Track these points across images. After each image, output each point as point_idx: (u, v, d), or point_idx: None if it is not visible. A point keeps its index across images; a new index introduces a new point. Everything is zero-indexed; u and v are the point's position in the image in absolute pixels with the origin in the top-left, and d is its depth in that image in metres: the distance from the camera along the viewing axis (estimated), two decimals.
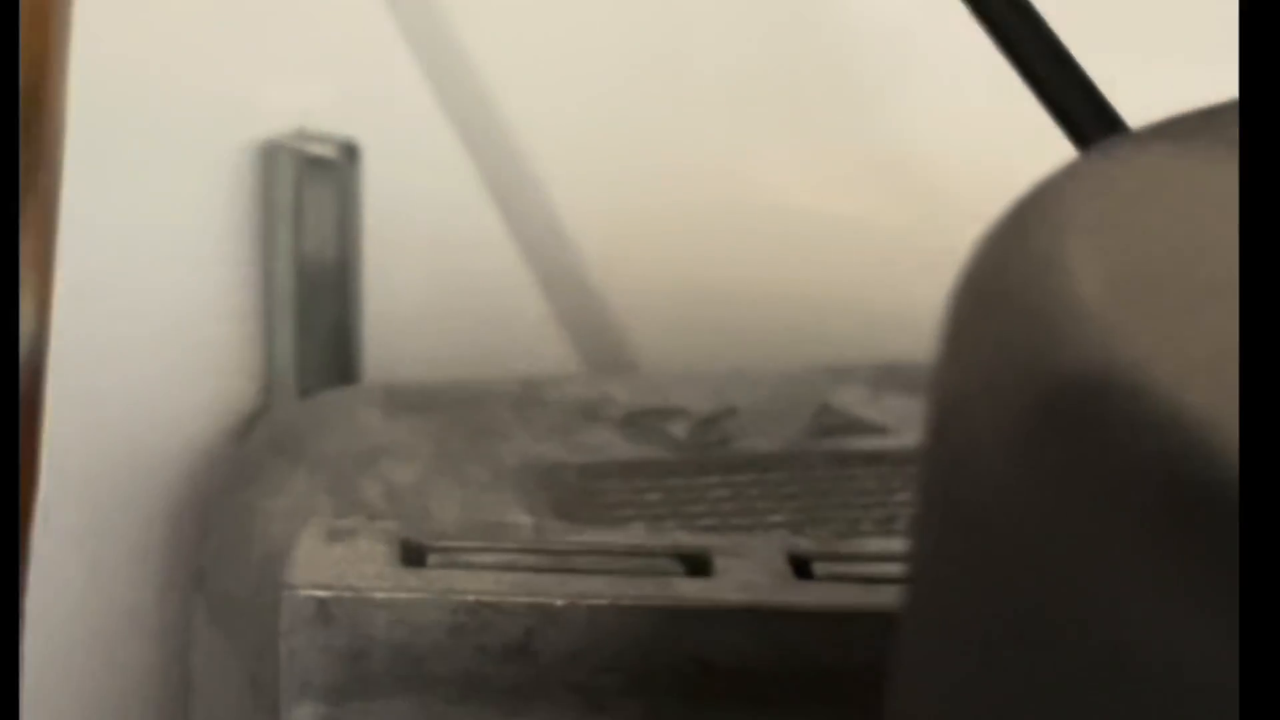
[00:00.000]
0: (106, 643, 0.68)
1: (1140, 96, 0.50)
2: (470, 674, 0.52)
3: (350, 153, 0.67)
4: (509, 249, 0.69)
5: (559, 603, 0.51)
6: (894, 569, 0.51)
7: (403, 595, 0.51)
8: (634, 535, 0.55)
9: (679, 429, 0.62)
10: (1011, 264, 0.34)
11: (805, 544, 0.54)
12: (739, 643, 0.52)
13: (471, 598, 0.52)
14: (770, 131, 0.69)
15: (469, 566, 0.53)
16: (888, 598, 0.47)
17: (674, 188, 0.69)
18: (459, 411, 0.63)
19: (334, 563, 0.52)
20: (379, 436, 0.62)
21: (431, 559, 0.53)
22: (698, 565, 0.53)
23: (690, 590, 0.52)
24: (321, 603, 0.51)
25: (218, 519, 0.64)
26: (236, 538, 0.61)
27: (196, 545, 0.65)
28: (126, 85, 0.65)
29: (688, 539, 0.54)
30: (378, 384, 0.66)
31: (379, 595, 0.51)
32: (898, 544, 0.52)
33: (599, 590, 0.52)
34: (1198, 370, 0.30)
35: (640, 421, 0.62)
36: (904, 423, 0.63)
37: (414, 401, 0.63)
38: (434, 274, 0.69)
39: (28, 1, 0.51)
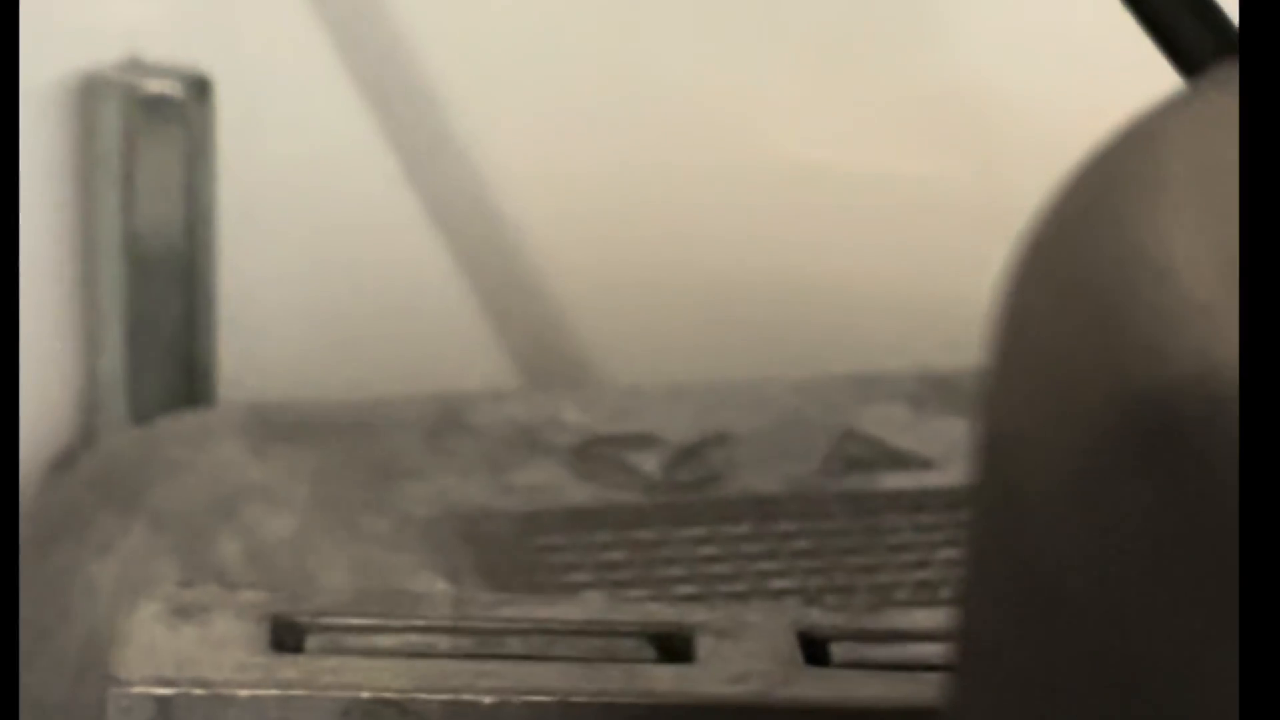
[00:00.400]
0: None
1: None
2: None
3: (199, 88, 0.68)
4: (418, 222, 0.70)
5: (486, 700, 0.52)
6: (935, 651, 0.52)
7: (273, 692, 0.52)
8: (590, 608, 0.56)
9: (651, 463, 0.62)
10: (1089, 249, 0.35)
11: (820, 618, 0.54)
12: None
13: (366, 695, 0.52)
14: (766, 61, 0.70)
15: (363, 652, 0.53)
16: (927, 690, 0.49)
17: (642, 133, 0.71)
18: (350, 441, 0.63)
19: (180, 648, 0.52)
20: (241, 476, 0.62)
21: (311, 642, 0.53)
22: (676, 648, 0.53)
23: (666, 682, 0.53)
24: (163, 703, 0.52)
25: (26, 587, 0.63)
26: (50, 614, 0.62)
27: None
28: None
29: (663, 612, 0.55)
30: (238, 405, 0.67)
31: (241, 693, 0.52)
32: (941, 617, 0.52)
33: (541, 684, 0.53)
34: None
35: (599, 453, 0.63)
36: (953, 453, 0.64)
37: (288, 429, 0.64)
38: (313, 256, 0.70)
39: None
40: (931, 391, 0.64)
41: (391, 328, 0.70)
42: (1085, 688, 0.36)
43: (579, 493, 0.62)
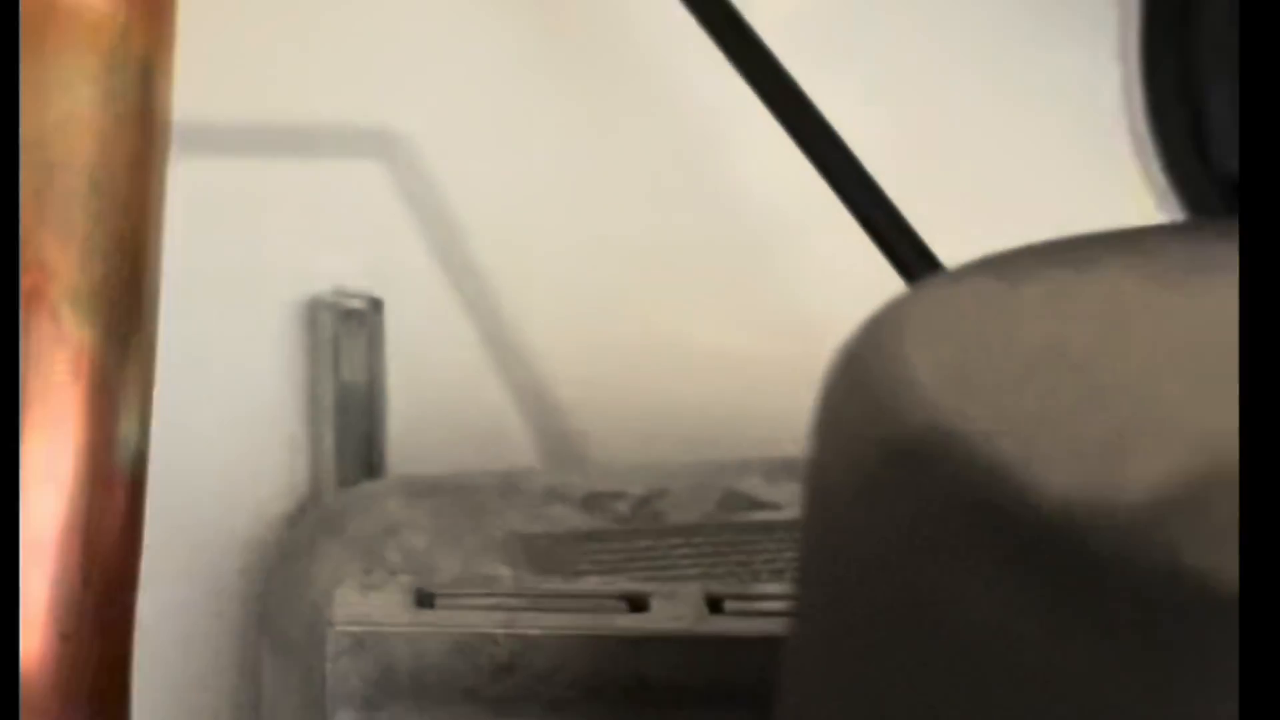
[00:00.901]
0: (198, 673, 0.66)
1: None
2: (468, 689, 0.50)
3: (376, 305, 0.65)
4: (495, 376, 0.66)
5: (535, 633, 0.51)
6: (784, 605, 0.50)
7: (416, 629, 0.51)
8: (589, 584, 0.55)
9: (624, 506, 0.61)
10: (864, 361, 0.33)
11: (718, 587, 0.53)
12: (669, 663, 0.51)
13: (468, 630, 0.51)
14: (689, 288, 0.68)
15: (466, 608, 0.52)
16: (780, 627, 0.46)
17: (621, 331, 0.67)
18: (458, 496, 0.61)
19: (364, 607, 0.51)
20: (398, 516, 0.60)
21: (438, 603, 0.52)
22: (637, 604, 0.52)
23: (632, 624, 0.51)
24: (356, 637, 0.51)
25: (278, 579, 0.62)
26: (292, 593, 0.60)
27: (262, 599, 0.63)
28: (208, 256, 0.63)
29: (630, 585, 0.53)
30: (398, 477, 0.64)
31: (398, 630, 0.51)
32: (786, 587, 0.50)
33: (564, 624, 0.51)
34: (1002, 432, 0.29)
35: (594, 501, 0.61)
36: (791, 501, 0.61)
37: (424, 489, 0.62)
38: (440, 396, 0.66)
39: (131, 186, 0.48)
40: (779, 468, 0.62)
41: (481, 434, 0.66)
42: (859, 609, 0.33)
43: (583, 522, 0.60)
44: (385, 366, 0.65)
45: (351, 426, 0.65)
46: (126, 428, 0.49)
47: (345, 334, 0.64)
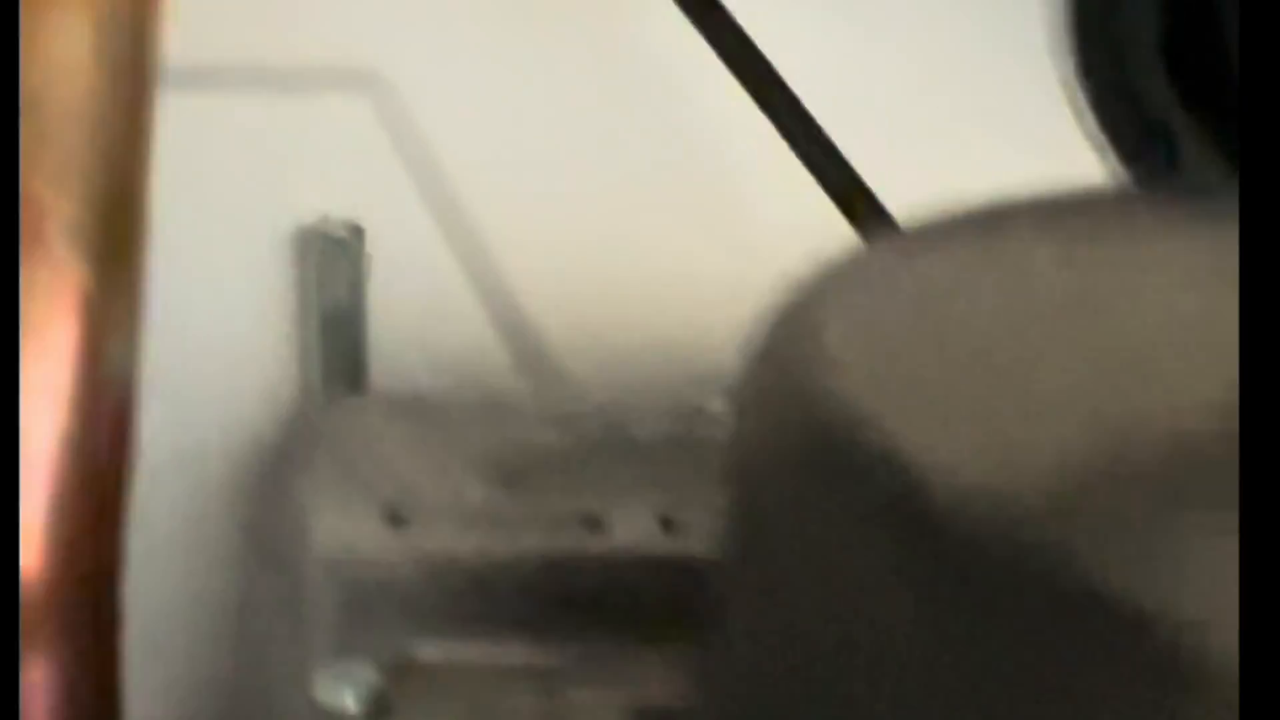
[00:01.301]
0: (187, 579, 0.67)
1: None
2: (437, 606, 0.52)
3: (358, 233, 0.66)
4: (472, 299, 0.67)
5: (499, 556, 0.52)
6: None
7: (389, 548, 0.52)
8: (554, 503, 0.55)
9: (593, 424, 0.61)
10: (783, 337, 0.33)
11: (673, 509, 0.54)
12: (625, 583, 0.52)
13: (438, 549, 0.52)
14: (660, 215, 0.68)
15: (438, 527, 0.53)
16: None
17: (594, 256, 0.68)
18: (434, 413, 0.61)
19: (340, 531, 0.53)
20: (377, 431, 0.60)
21: (411, 525, 0.53)
22: (595, 524, 0.54)
23: (592, 541, 0.53)
24: (332, 562, 0.52)
25: (262, 490, 0.63)
26: (274, 504, 0.60)
27: (247, 508, 0.65)
28: (200, 189, 0.64)
29: (591, 505, 0.54)
30: (378, 394, 0.65)
31: (373, 548, 0.52)
32: None
33: (533, 545, 0.53)
34: (912, 424, 0.28)
35: (565, 420, 0.61)
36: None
37: (403, 406, 0.62)
38: (420, 318, 0.67)
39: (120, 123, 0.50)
40: None
41: (461, 351, 0.67)
42: (784, 601, 0.32)
43: (554, 440, 0.59)
44: (367, 291, 0.66)
45: (336, 347, 0.66)
46: (118, 351, 0.51)
47: (330, 260, 0.66)
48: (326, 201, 0.66)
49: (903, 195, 0.54)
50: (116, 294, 0.51)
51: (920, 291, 0.33)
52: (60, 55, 0.48)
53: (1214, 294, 0.31)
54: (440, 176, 0.66)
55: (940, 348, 0.31)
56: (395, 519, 0.53)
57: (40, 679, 0.50)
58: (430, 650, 0.50)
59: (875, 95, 0.65)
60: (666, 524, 0.53)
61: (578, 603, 0.52)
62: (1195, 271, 0.33)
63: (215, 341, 0.66)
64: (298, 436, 0.63)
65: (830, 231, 0.58)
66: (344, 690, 0.48)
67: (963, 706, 0.24)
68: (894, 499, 0.27)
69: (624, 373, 0.67)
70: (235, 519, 0.66)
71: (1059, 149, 0.59)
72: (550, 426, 0.61)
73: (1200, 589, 0.23)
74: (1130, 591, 0.22)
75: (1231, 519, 0.24)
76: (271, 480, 0.62)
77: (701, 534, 0.51)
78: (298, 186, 0.65)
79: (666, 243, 0.68)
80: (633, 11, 0.65)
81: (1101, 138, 0.54)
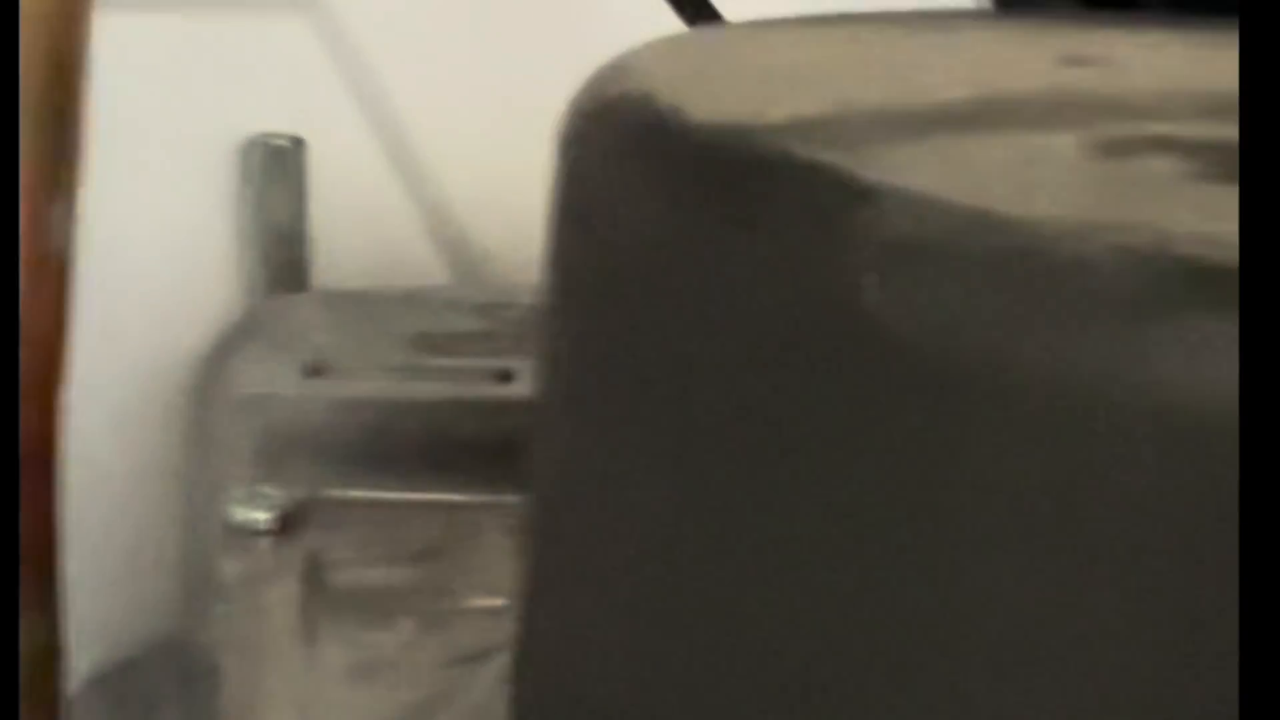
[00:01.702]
0: (133, 475, 0.69)
1: None
2: (350, 445, 0.54)
3: (299, 144, 0.68)
4: (406, 205, 0.69)
5: (412, 399, 0.55)
6: None
7: (304, 394, 0.55)
8: (468, 362, 0.58)
9: (514, 314, 0.62)
10: (614, 73, 0.33)
11: None
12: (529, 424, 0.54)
13: (350, 395, 0.55)
14: None
15: (353, 378, 0.56)
16: None
17: (523, 160, 0.65)
18: (366, 304, 0.63)
19: (258, 376, 0.56)
20: (310, 320, 0.62)
21: (327, 374, 0.56)
22: (505, 377, 0.56)
23: (501, 389, 0.56)
24: (256, 398, 0.55)
25: (201, 379, 0.64)
26: (211, 386, 0.62)
27: (189, 396, 0.66)
28: (145, 105, 0.66)
29: (497, 363, 0.57)
30: (315, 291, 0.67)
31: (289, 392, 0.55)
32: None
33: (441, 392, 0.55)
34: (696, 94, 0.29)
35: (488, 310, 0.63)
36: None
37: (337, 299, 0.64)
38: (357, 225, 0.69)
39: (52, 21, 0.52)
40: None
41: (392, 257, 0.69)
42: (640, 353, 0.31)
43: (476, 325, 0.61)
44: (308, 199, 0.68)
45: (278, 253, 0.68)
46: (59, 218, 0.53)
47: (272, 170, 0.68)
48: (269, 116, 0.68)
49: None
50: (59, 165, 0.53)
51: (734, 38, 0.36)
52: None
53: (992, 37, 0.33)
54: (377, 89, 0.69)
55: (742, 59, 0.33)
56: (313, 371, 0.56)
57: None
58: (339, 487, 0.52)
59: None
60: None
61: (484, 446, 0.54)
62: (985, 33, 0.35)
63: (162, 249, 0.68)
64: (234, 327, 0.65)
65: None
66: (255, 508, 0.50)
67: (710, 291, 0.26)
68: (653, 132, 0.29)
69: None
70: (174, 426, 0.68)
71: None
72: (473, 313, 0.63)
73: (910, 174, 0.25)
74: (851, 169, 0.24)
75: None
76: (209, 367, 0.64)
77: None
78: (241, 102, 0.68)
79: None
80: None
81: None
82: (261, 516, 0.49)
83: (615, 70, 0.34)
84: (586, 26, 0.69)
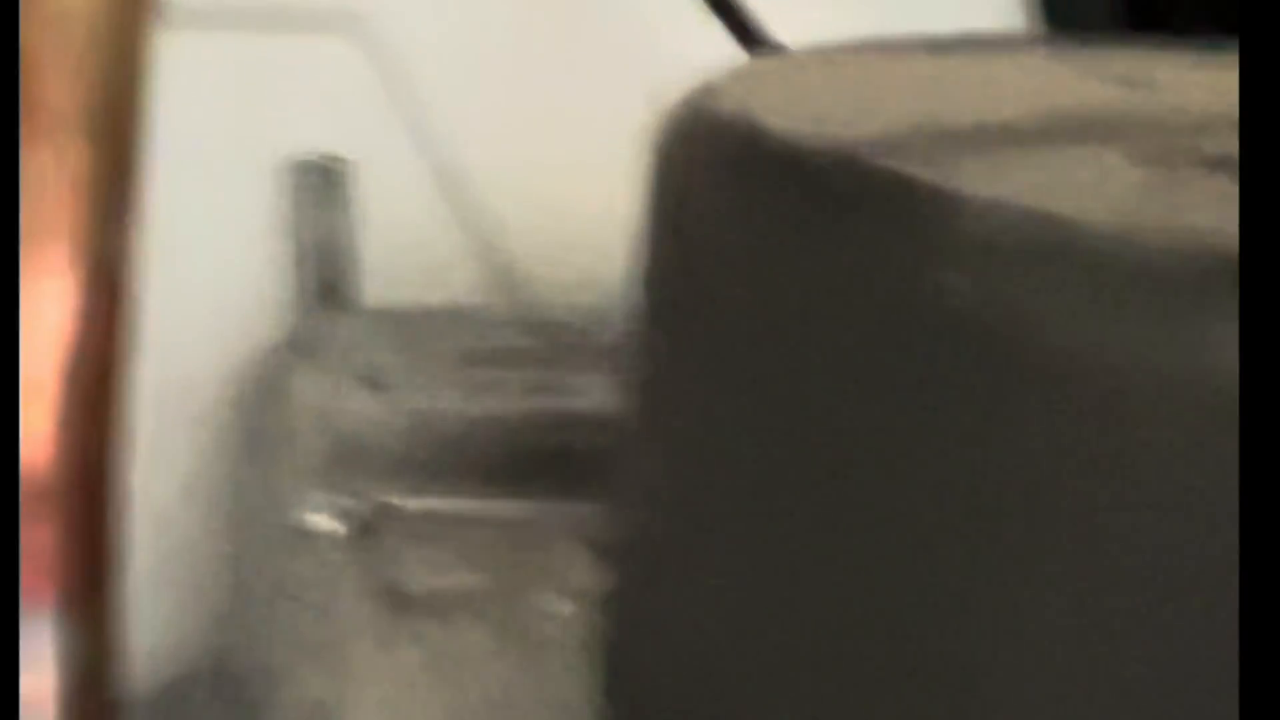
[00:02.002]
0: (185, 481, 0.69)
1: None
2: (416, 456, 0.55)
3: (343, 165, 0.69)
4: (450, 224, 0.71)
5: (474, 413, 0.56)
6: None
7: (369, 407, 0.56)
8: (521, 375, 0.58)
9: (560, 332, 0.63)
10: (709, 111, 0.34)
11: None
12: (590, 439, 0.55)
13: (414, 409, 0.56)
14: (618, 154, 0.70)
15: (415, 392, 0.57)
16: None
17: (565, 176, 0.71)
18: (414, 322, 0.64)
19: (325, 383, 0.57)
20: (363, 336, 0.63)
21: (388, 389, 0.57)
22: (557, 390, 0.57)
23: (555, 404, 0.57)
24: (322, 411, 0.56)
25: (255, 395, 0.66)
26: (267, 401, 0.63)
27: (241, 413, 0.67)
28: (199, 125, 0.67)
29: (549, 376, 0.58)
30: (365, 309, 0.68)
31: (355, 407, 0.56)
32: None
33: (500, 405, 0.57)
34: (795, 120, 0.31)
35: (534, 328, 0.63)
36: None
37: (388, 320, 0.65)
38: (401, 243, 0.70)
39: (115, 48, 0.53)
40: None
41: (435, 273, 0.70)
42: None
43: (523, 343, 0.62)
44: (354, 218, 0.70)
45: (327, 270, 0.70)
46: (116, 234, 0.53)
47: (320, 189, 0.70)
48: (317, 137, 0.70)
49: None
50: (116, 178, 0.53)
51: (813, 63, 0.38)
52: None
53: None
54: (422, 112, 0.71)
55: (827, 82, 0.35)
56: (372, 385, 0.57)
57: (41, 541, 0.52)
58: (408, 496, 0.54)
59: None
60: None
61: (546, 456, 0.56)
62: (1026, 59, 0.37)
63: (210, 268, 0.70)
64: (288, 345, 0.67)
65: None
66: (329, 516, 0.52)
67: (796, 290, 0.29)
68: (752, 149, 0.31)
69: (592, 290, 0.68)
70: (228, 438, 0.69)
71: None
72: (518, 330, 0.64)
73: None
74: (936, 180, 0.28)
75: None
76: (263, 384, 0.65)
77: None
78: (290, 123, 0.70)
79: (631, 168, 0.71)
80: None
81: None
82: (335, 524, 0.51)
83: (707, 92, 0.36)
84: (633, 51, 0.71)
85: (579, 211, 0.71)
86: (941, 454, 0.27)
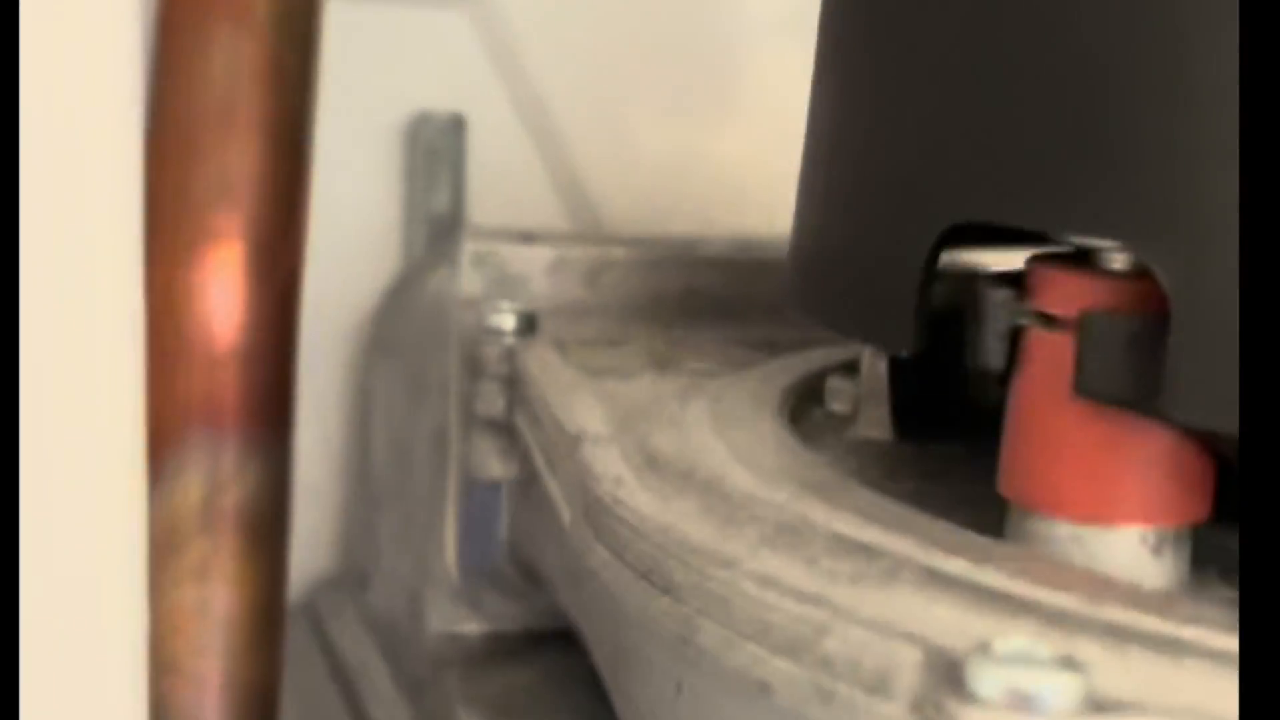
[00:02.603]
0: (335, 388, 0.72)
1: None
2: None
3: (460, 122, 0.73)
4: (552, 186, 0.74)
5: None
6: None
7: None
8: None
9: None
10: None
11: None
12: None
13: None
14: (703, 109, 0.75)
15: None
16: None
17: (649, 145, 0.75)
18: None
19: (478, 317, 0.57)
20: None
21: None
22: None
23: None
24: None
25: (392, 302, 0.68)
26: (406, 305, 0.66)
27: (376, 326, 0.70)
28: (353, 98, 0.72)
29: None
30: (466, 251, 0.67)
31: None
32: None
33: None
34: None
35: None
36: None
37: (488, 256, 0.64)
38: (508, 194, 0.74)
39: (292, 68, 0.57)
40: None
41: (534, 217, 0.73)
42: None
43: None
44: (467, 172, 0.74)
45: (440, 219, 0.73)
46: (293, 243, 0.58)
47: (434, 145, 0.73)
48: (434, 96, 0.74)
49: None
50: (292, 186, 0.58)
51: None
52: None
53: None
54: (528, 75, 0.75)
55: None
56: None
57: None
58: None
59: None
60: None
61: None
62: None
63: (339, 212, 0.72)
64: (421, 259, 0.69)
65: None
66: (490, 455, 0.54)
67: None
68: None
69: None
70: (361, 357, 0.72)
71: None
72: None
73: None
74: None
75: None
76: (404, 289, 0.67)
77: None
78: (409, 84, 0.74)
79: (734, 146, 0.75)
80: None
81: None
82: (498, 467, 0.53)
83: None
84: (727, 20, 0.75)
85: (665, 166, 0.75)
86: None
